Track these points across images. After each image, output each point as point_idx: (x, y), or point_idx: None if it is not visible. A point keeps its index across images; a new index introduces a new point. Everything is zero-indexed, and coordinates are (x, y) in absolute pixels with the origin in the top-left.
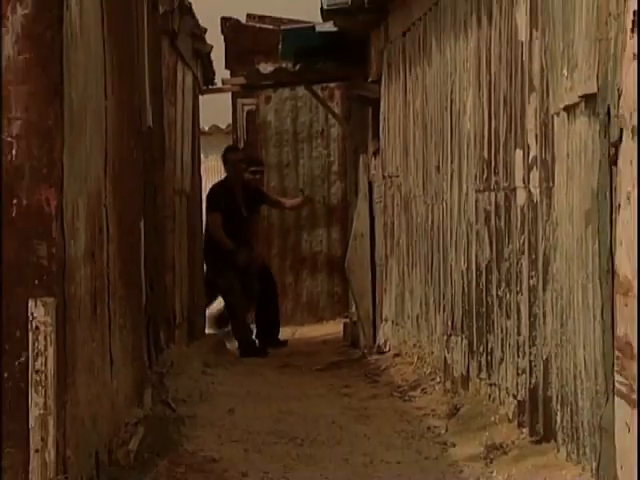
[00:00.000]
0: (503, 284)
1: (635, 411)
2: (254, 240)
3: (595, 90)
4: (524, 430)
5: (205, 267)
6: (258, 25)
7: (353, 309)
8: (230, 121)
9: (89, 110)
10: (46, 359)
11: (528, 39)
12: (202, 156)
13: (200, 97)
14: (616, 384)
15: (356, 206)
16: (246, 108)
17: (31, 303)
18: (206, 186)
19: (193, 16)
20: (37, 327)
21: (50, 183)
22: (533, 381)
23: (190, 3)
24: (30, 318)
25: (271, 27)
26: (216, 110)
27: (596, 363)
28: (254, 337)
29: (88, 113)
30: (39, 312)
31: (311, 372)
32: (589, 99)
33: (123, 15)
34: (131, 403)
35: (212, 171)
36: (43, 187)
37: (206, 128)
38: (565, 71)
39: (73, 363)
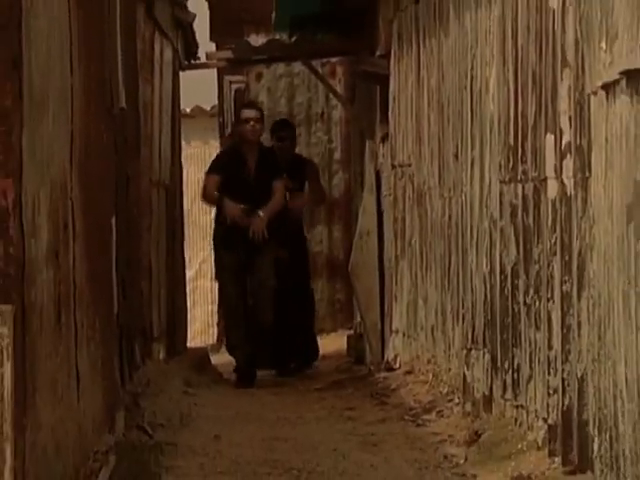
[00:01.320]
0: (532, 290)
1: None
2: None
3: (639, 65)
4: (556, 459)
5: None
6: None
7: (358, 319)
8: (216, 102)
9: (52, 87)
10: (2, 376)
11: (560, 6)
12: (183, 142)
13: (181, 74)
14: None
15: (361, 200)
16: (234, 86)
17: None
18: (187, 177)
19: None
20: None
21: (7, 172)
22: (566, 402)
23: None
24: None
25: None
26: (199, 89)
27: (639, 381)
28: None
29: (51, 91)
30: None
31: (309, 392)
32: (632, 75)
33: None
34: (101, 428)
35: (194, 159)
36: None
37: (188, 110)
38: (603, 43)
39: (33, 381)
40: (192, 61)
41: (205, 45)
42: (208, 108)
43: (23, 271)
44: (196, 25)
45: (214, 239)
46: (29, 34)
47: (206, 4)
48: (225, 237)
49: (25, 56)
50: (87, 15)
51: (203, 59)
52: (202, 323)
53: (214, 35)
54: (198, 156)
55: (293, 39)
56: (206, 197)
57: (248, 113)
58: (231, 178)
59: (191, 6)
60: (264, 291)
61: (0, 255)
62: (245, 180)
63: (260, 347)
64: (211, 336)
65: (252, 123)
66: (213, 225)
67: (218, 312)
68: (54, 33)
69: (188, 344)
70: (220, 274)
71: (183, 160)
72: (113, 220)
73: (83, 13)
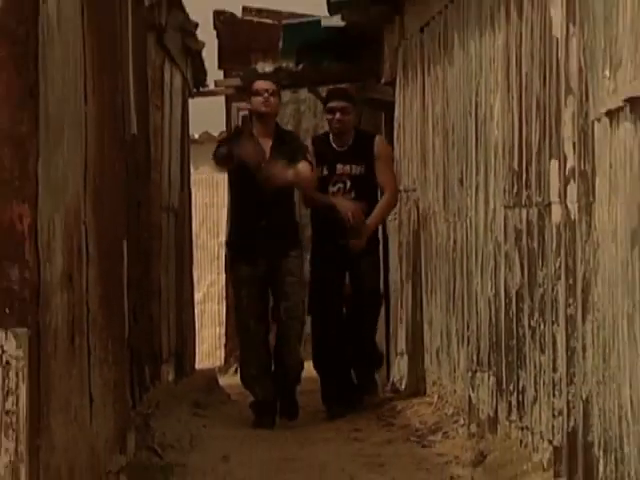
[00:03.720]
0: (536, 313)
1: None
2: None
3: None
4: None
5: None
6: (255, 19)
7: None
8: (224, 127)
9: (67, 115)
10: (17, 398)
11: (564, 35)
12: (192, 168)
13: (190, 101)
14: None
15: None
16: (242, 113)
17: (1, 334)
18: (196, 201)
19: (183, 9)
20: (8, 362)
21: (23, 198)
22: (571, 424)
23: None
24: (0, 352)
25: (270, 21)
26: (208, 115)
27: None
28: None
29: (66, 119)
30: (10, 345)
31: (316, 413)
32: (635, 103)
33: (105, 8)
34: (113, 449)
35: (203, 184)
36: (15, 203)
37: (196, 136)
38: (607, 71)
39: (48, 403)
40: (201, 88)
41: (214, 73)
42: (216, 134)
43: (38, 295)
44: (205, 53)
45: (229, 246)
46: (45, 63)
47: (215, 33)
48: (242, 246)
49: (41, 85)
50: (100, 44)
51: (212, 86)
52: (210, 345)
53: (222, 63)
54: (206, 181)
55: (300, 67)
56: (216, 155)
57: (262, 84)
58: (240, 169)
59: (200, 35)
60: (291, 324)
61: (16, 279)
62: (253, 190)
63: (283, 398)
64: (219, 358)
65: (266, 95)
66: (225, 238)
67: (226, 334)
68: (69, 62)
69: (196, 366)
70: (237, 290)
71: (192, 185)
72: (124, 245)
73: (96, 42)
